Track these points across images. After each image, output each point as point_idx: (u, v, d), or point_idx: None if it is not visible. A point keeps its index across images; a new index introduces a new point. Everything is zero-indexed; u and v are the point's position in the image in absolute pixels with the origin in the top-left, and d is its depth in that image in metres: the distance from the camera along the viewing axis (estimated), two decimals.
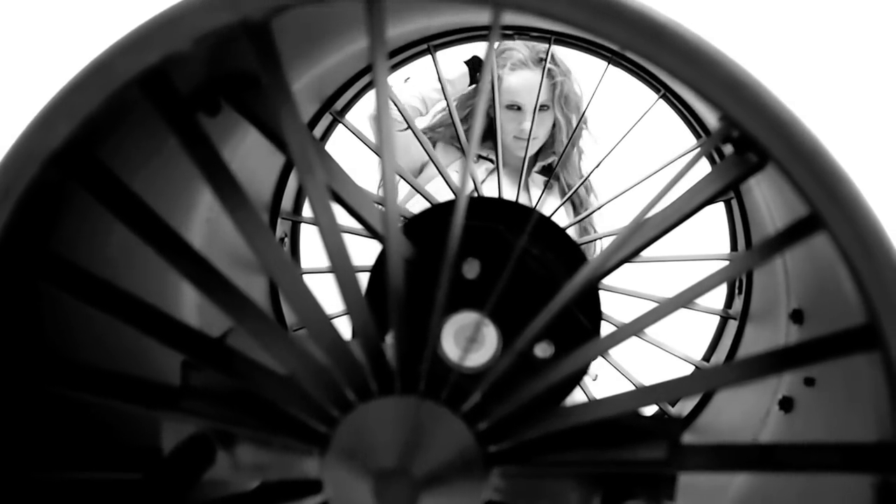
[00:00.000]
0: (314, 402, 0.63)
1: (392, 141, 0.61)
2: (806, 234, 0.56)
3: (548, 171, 1.92)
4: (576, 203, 1.91)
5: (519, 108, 1.81)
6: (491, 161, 1.86)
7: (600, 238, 1.73)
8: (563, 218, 1.83)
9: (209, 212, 1.05)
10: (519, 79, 1.79)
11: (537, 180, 1.91)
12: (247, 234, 0.61)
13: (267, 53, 0.61)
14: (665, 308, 0.60)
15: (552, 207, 1.83)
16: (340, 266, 0.62)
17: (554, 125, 1.88)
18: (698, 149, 1.40)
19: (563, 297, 0.63)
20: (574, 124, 1.83)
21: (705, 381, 0.61)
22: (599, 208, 1.66)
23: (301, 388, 0.63)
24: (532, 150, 1.87)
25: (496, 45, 1.76)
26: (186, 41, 0.56)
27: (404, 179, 1.44)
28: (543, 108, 1.82)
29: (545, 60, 1.58)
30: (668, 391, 0.61)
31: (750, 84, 0.53)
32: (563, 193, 1.92)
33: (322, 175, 0.61)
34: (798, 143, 0.53)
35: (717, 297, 1.50)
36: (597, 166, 1.60)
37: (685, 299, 0.60)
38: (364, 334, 0.62)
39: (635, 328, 0.61)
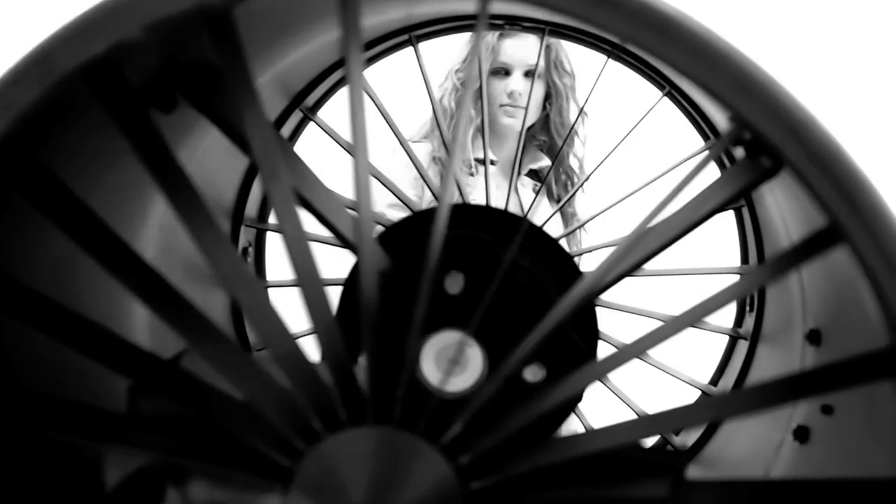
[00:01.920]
0: (277, 432, 0.62)
1: (366, 140, 0.61)
2: (825, 248, 0.56)
3: (537, 175, 1.90)
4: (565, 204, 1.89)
5: (507, 73, 1.79)
6: (491, 162, 1.85)
7: (597, 249, 1.72)
8: (557, 224, 1.82)
9: (164, 218, 1.03)
10: (507, 38, 1.77)
11: (528, 183, 1.90)
12: (201, 243, 0.60)
13: (228, 44, 0.60)
14: (669, 328, 0.59)
15: (545, 211, 1.82)
16: (307, 279, 0.61)
17: (548, 98, 1.85)
18: (706, 152, 1.40)
19: (556, 316, 0.63)
20: (570, 90, 1.81)
21: (712, 411, 0.60)
22: (596, 216, 1.64)
23: (262, 416, 0.62)
24: (526, 123, 1.83)
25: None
26: (135, 30, 0.55)
27: (381, 183, 1.43)
28: (533, 73, 1.79)
29: (539, 52, 1.57)
30: (670, 421, 0.60)
31: (763, 81, 0.53)
32: (553, 195, 1.90)
33: (288, 179, 0.60)
34: (816, 146, 0.53)
35: (726, 315, 1.50)
36: (595, 169, 1.59)
37: (691, 319, 0.60)
38: (333, 356, 0.61)
39: (636, 350, 0.60)
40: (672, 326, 0.59)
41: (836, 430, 0.89)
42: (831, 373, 0.59)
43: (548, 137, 1.90)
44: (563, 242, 1.83)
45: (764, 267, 0.60)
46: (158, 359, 0.66)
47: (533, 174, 1.91)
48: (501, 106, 1.80)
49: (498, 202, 1.70)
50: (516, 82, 1.76)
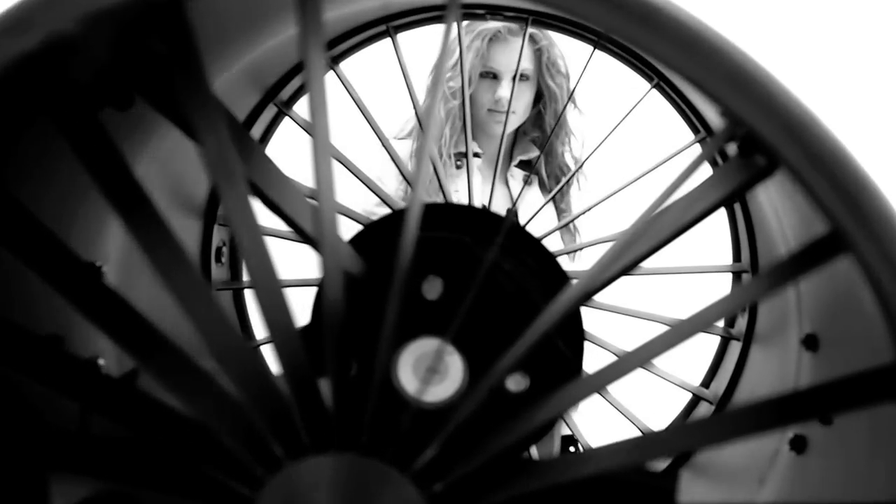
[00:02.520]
0: (234, 458, 0.57)
1: (327, 131, 0.56)
2: (826, 258, 0.52)
3: (528, 166, 1.85)
4: (556, 197, 1.84)
5: (495, 77, 1.75)
6: (476, 156, 1.80)
7: (581, 249, 1.67)
8: (546, 219, 1.78)
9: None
10: (497, 44, 1.73)
11: (518, 175, 1.85)
12: (137, 236, 0.56)
13: (181, 35, 0.55)
14: (660, 344, 0.55)
15: (535, 205, 1.78)
16: (263, 283, 0.56)
17: (540, 100, 1.81)
18: (697, 154, 1.36)
19: (541, 326, 0.59)
20: (565, 90, 1.76)
21: (696, 438, 0.56)
22: (584, 213, 1.59)
23: (218, 440, 0.57)
24: (511, 127, 1.79)
25: (465, 25, 1.71)
26: (73, 22, 0.51)
27: (360, 180, 1.39)
28: (523, 77, 1.75)
29: (523, 37, 1.52)
30: (658, 447, 0.56)
31: (758, 76, 0.49)
32: (546, 188, 1.85)
33: (241, 174, 0.55)
34: (816, 147, 0.49)
35: None
36: (580, 166, 1.56)
37: (683, 332, 0.56)
38: (293, 371, 0.57)
39: (626, 367, 0.56)
40: (662, 343, 0.55)
41: (836, 442, 0.85)
42: (827, 393, 0.55)
43: (540, 133, 1.85)
44: (555, 240, 1.79)
45: (758, 280, 0.56)
46: (106, 376, 0.62)
47: (524, 165, 1.86)
48: (490, 111, 1.76)
49: (487, 195, 1.65)
50: (504, 89, 1.71)
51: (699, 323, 0.55)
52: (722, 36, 0.48)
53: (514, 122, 1.79)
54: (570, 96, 1.73)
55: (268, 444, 0.57)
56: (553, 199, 1.81)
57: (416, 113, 1.48)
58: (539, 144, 1.86)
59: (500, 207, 1.75)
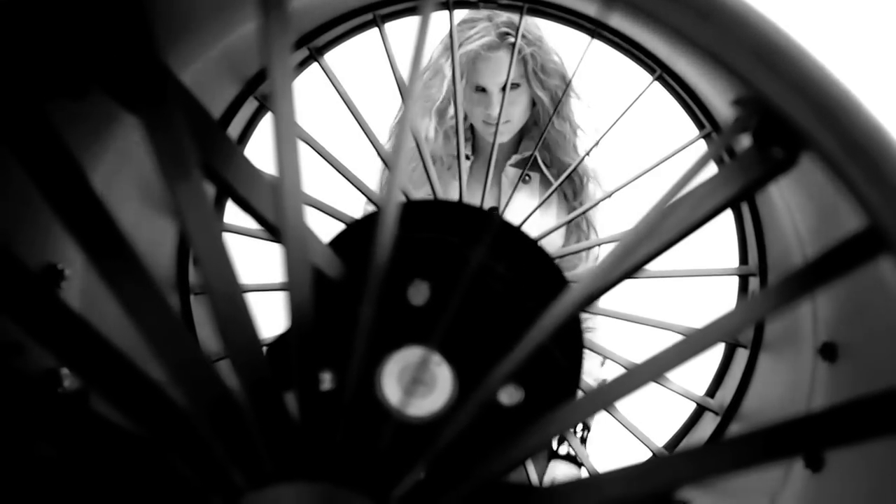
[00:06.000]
0: (189, 486, 0.51)
1: (293, 124, 0.51)
2: (862, 259, 0.46)
3: (528, 165, 1.79)
4: (568, 195, 1.77)
5: (485, 91, 1.70)
6: (466, 157, 1.75)
7: (581, 251, 1.61)
8: (553, 218, 1.72)
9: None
10: (480, 63, 1.68)
11: (513, 174, 1.79)
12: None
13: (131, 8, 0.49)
14: (665, 360, 0.49)
15: (552, 211, 1.71)
16: (218, 284, 0.50)
17: (535, 105, 1.75)
18: (705, 148, 1.30)
19: (538, 334, 0.54)
20: (559, 95, 1.71)
21: (721, 462, 0.50)
22: (583, 213, 1.52)
23: (170, 465, 0.51)
24: (508, 135, 1.74)
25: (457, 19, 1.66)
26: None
27: (347, 179, 1.32)
28: (514, 86, 1.70)
29: (517, 32, 1.46)
30: (672, 473, 0.50)
31: (788, 49, 0.43)
32: (550, 187, 1.79)
33: (196, 170, 0.49)
34: (854, 132, 0.43)
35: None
36: (581, 160, 1.50)
37: (690, 350, 0.50)
38: (254, 384, 0.51)
39: (635, 382, 0.50)
40: (668, 359, 0.49)
41: (855, 458, 0.79)
42: (841, 419, 0.49)
43: (540, 134, 1.79)
44: (561, 238, 1.73)
45: (779, 287, 0.49)
46: (53, 392, 0.55)
47: (522, 165, 1.79)
48: (485, 122, 1.71)
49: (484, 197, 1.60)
50: (494, 106, 1.66)
51: (718, 333, 0.49)
52: (745, 2, 0.42)
53: (511, 128, 1.74)
54: (566, 89, 1.66)
55: (226, 471, 0.51)
56: (566, 196, 1.74)
57: (402, 102, 1.42)
58: (536, 141, 1.80)
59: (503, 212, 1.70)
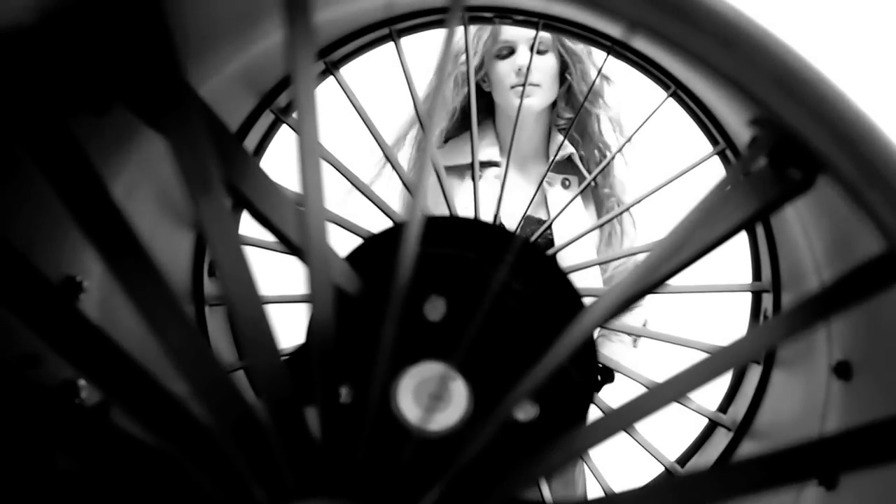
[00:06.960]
0: (212, 502, 0.52)
1: (315, 125, 0.51)
2: (881, 283, 0.46)
3: (565, 168, 1.76)
4: (597, 182, 1.76)
5: (512, 52, 1.70)
6: (495, 165, 1.74)
7: (600, 263, 1.61)
8: (592, 216, 1.73)
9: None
10: (503, 33, 1.69)
11: (557, 180, 1.76)
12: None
13: (155, 27, 0.50)
14: (685, 382, 0.50)
15: (574, 209, 1.71)
16: (241, 297, 0.51)
17: (565, 69, 1.74)
18: (723, 177, 1.30)
19: (556, 356, 0.54)
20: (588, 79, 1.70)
21: (747, 481, 0.50)
22: (600, 225, 1.50)
23: (192, 481, 0.52)
24: (539, 103, 1.73)
25: (474, 32, 1.66)
26: (23, 11, 0.46)
27: (361, 192, 1.33)
28: (541, 52, 1.69)
29: (534, 41, 1.45)
30: (693, 493, 0.50)
31: (808, 75, 0.43)
32: (594, 198, 1.77)
33: (218, 184, 0.50)
34: (873, 157, 0.43)
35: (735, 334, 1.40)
36: (600, 171, 1.48)
37: (702, 375, 0.50)
38: (276, 399, 0.51)
39: (646, 408, 0.50)
40: (687, 381, 0.50)
41: (870, 477, 0.79)
42: (849, 445, 0.49)
43: (573, 113, 1.76)
44: (589, 247, 1.72)
45: (796, 312, 0.50)
46: (77, 406, 0.56)
47: (562, 167, 1.77)
48: (512, 87, 1.70)
49: (520, 204, 1.59)
50: (523, 57, 1.66)
51: (732, 358, 0.49)
52: (766, 29, 0.43)
53: (541, 95, 1.72)
54: (600, 71, 1.62)
55: (248, 486, 0.51)
56: (591, 185, 1.73)
57: (418, 118, 1.42)
58: (578, 132, 1.78)
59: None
